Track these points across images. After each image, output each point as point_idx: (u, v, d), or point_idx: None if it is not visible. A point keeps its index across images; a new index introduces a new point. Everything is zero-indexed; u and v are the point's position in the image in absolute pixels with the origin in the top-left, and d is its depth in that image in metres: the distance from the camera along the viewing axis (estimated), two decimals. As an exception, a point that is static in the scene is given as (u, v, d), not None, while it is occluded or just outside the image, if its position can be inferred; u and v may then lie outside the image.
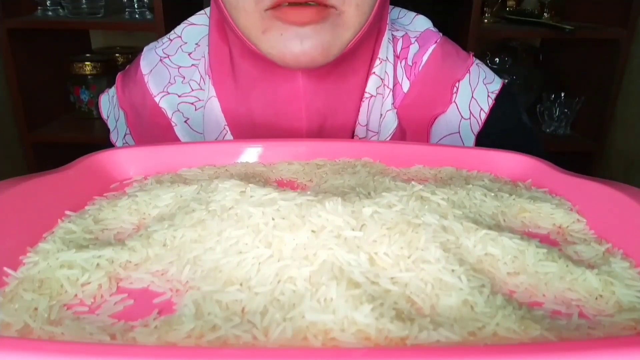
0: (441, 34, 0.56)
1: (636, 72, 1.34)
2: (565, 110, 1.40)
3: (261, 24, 0.42)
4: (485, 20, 1.41)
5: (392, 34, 0.54)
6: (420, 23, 0.58)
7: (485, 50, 1.52)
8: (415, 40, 0.55)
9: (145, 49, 0.58)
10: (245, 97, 0.51)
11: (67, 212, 0.32)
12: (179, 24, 0.59)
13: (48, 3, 1.30)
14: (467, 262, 0.27)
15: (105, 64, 1.39)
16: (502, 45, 1.55)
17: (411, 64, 0.54)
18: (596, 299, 0.25)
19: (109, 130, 0.57)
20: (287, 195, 0.30)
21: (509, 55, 1.49)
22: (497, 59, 1.48)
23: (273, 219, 0.28)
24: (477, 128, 0.53)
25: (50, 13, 1.31)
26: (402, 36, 0.55)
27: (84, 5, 1.27)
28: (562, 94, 1.39)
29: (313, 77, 0.48)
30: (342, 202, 0.29)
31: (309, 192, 0.31)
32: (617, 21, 1.31)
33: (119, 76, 0.57)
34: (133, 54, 1.49)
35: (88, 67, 1.35)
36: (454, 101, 0.53)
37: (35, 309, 0.23)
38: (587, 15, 1.43)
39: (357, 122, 0.52)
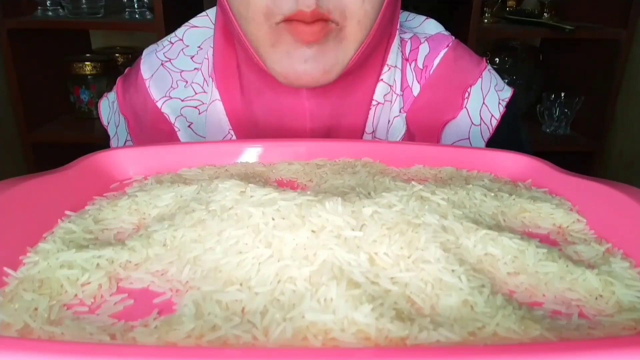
0: (453, 37, 0.55)
1: (636, 72, 1.34)
2: (565, 110, 1.40)
3: (270, 37, 0.43)
4: (485, 20, 1.41)
5: (400, 37, 0.53)
6: (430, 27, 0.57)
7: (485, 50, 1.52)
8: (425, 40, 0.54)
9: (145, 52, 0.56)
10: (250, 103, 0.51)
11: (67, 212, 0.32)
12: (178, 24, 0.59)
13: (48, 3, 1.30)
14: (467, 262, 0.27)
15: (105, 64, 1.39)
16: (502, 45, 1.55)
17: (422, 67, 0.53)
18: (596, 299, 0.25)
19: (109, 136, 0.56)
20: (287, 195, 0.30)
21: (509, 55, 1.49)
22: (497, 59, 1.48)
23: (273, 219, 0.28)
24: (487, 135, 0.52)
25: (50, 13, 1.31)
26: (411, 38, 0.55)
27: (84, 5, 1.27)
28: (562, 94, 1.39)
29: (318, 89, 0.47)
30: (342, 202, 0.29)
31: (309, 192, 0.31)
32: (617, 21, 1.31)
33: (119, 80, 0.56)
34: (133, 54, 1.49)
35: (88, 67, 1.35)
36: (465, 107, 0.52)
37: (35, 309, 0.23)
38: (587, 15, 1.43)
39: (364, 130, 0.52)
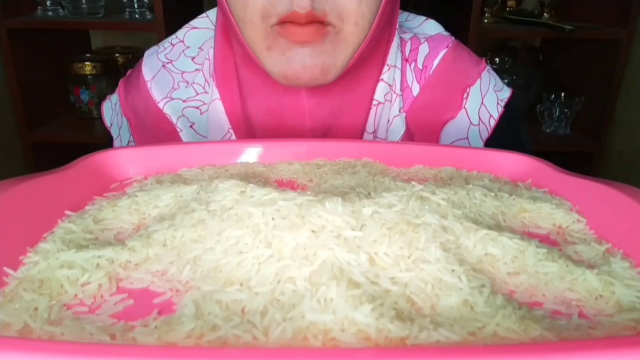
0: (453, 38, 0.55)
1: (636, 72, 1.34)
2: (565, 110, 1.40)
3: (266, 40, 0.43)
4: (485, 20, 1.41)
5: (400, 37, 0.53)
6: (430, 27, 0.57)
7: (485, 50, 1.52)
8: (425, 40, 0.54)
9: (147, 54, 0.57)
10: (249, 102, 0.51)
11: (67, 212, 0.32)
12: (178, 24, 0.59)
13: (48, 3, 1.30)
14: (467, 262, 0.27)
15: (105, 64, 1.39)
16: (502, 45, 1.55)
17: (421, 67, 0.53)
18: (596, 299, 0.25)
19: (111, 138, 0.57)
20: (287, 195, 0.30)
21: (509, 55, 1.49)
22: (497, 59, 1.48)
23: (273, 219, 0.28)
24: (485, 134, 0.52)
25: (50, 13, 1.31)
26: (411, 38, 0.55)
27: (84, 5, 1.27)
28: (562, 94, 1.39)
29: (317, 88, 0.48)
30: (342, 202, 0.29)
31: (309, 192, 0.31)
32: (617, 21, 1.31)
33: (121, 82, 0.57)
34: (133, 54, 1.49)
35: (88, 67, 1.35)
36: (464, 107, 0.52)
37: (35, 309, 0.23)
38: (587, 15, 1.43)
39: (364, 130, 0.52)
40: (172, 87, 0.54)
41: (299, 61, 0.43)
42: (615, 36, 1.30)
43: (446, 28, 0.57)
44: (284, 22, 0.41)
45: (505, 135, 0.54)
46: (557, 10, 1.46)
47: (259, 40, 0.43)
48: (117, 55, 1.48)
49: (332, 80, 0.45)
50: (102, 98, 0.59)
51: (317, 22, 0.41)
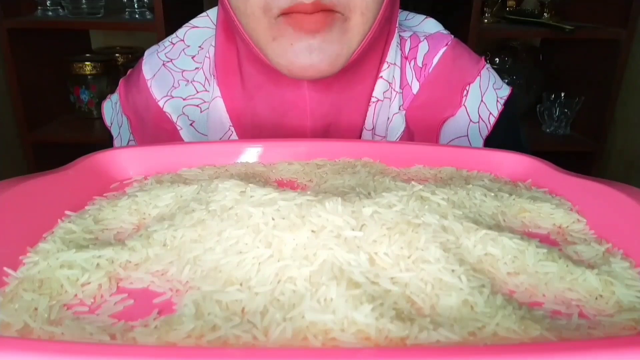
0: (452, 36, 0.56)
1: (636, 72, 1.34)
2: (565, 110, 1.40)
3: (270, 31, 0.43)
4: (485, 20, 1.41)
5: (399, 36, 0.53)
6: (430, 26, 0.57)
7: (486, 50, 1.52)
8: (425, 38, 0.55)
9: (147, 53, 0.57)
10: (251, 99, 0.51)
11: (67, 212, 0.32)
12: (179, 24, 0.59)
13: (48, 3, 1.30)
14: (467, 262, 0.27)
15: (105, 64, 1.39)
16: (502, 45, 1.55)
17: (421, 65, 0.54)
18: (596, 299, 0.25)
19: (112, 137, 0.57)
20: (287, 195, 0.30)
21: (509, 55, 1.49)
22: (497, 59, 1.48)
23: (273, 219, 0.28)
24: (485, 132, 0.53)
25: (50, 13, 1.31)
26: (410, 36, 0.55)
27: (84, 5, 1.27)
28: (562, 94, 1.39)
29: (319, 84, 0.48)
30: (342, 202, 0.29)
31: (309, 192, 0.31)
32: (617, 21, 1.31)
33: (121, 82, 0.57)
34: (133, 54, 1.49)
35: (88, 67, 1.35)
36: (464, 104, 0.53)
37: (35, 309, 0.23)
38: (587, 15, 1.43)
39: (363, 127, 0.52)
40: (172, 86, 0.54)
41: (306, 55, 0.42)
42: (615, 36, 1.30)
43: (446, 28, 0.57)
44: (286, 13, 0.41)
45: (505, 133, 0.54)
46: (557, 10, 1.46)
47: (264, 31, 0.43)
48: (117, 55, 1.48)
49: (336, 72, 0.44)
50: (102, 98, 0.59)
51: (324, 10, 0.41)
